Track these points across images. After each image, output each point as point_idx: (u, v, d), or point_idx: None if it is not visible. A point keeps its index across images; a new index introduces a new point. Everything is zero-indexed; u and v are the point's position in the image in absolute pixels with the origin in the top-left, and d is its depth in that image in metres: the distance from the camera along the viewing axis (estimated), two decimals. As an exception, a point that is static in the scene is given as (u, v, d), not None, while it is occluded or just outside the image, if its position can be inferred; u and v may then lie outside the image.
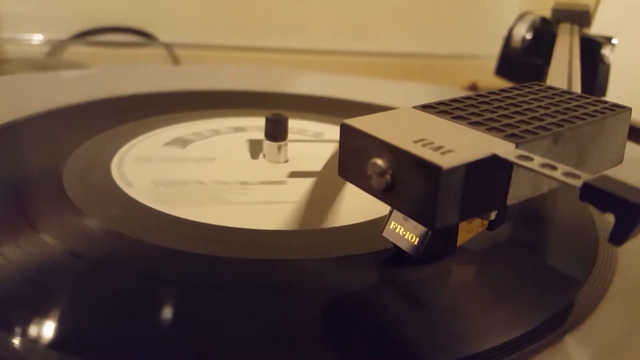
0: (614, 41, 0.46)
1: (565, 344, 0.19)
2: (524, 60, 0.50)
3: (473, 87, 0.77)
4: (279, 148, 0.33)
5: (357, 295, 0.21)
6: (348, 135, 0.20)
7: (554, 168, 0.16)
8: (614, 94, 0.45)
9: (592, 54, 0.46)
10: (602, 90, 0.47)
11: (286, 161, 0.33)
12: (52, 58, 0.77)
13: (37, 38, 0.78)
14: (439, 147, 0.17)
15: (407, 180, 0.18)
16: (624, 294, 0.22)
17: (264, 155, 0.33)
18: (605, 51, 0.46)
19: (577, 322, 0.20)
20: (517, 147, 0.18)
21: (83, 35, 0.78)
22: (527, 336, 0.19)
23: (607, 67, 0.47)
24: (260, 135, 0.34)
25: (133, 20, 0.80)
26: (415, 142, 0.18)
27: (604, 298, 0.21)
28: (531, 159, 0.17)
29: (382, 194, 0.19)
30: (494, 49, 0.53)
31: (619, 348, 0.19)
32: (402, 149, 0.17)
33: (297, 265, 0.23)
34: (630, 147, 0.39)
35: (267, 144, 0.33)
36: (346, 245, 0.24)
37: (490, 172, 0.18)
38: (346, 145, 0.20)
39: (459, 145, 0.18)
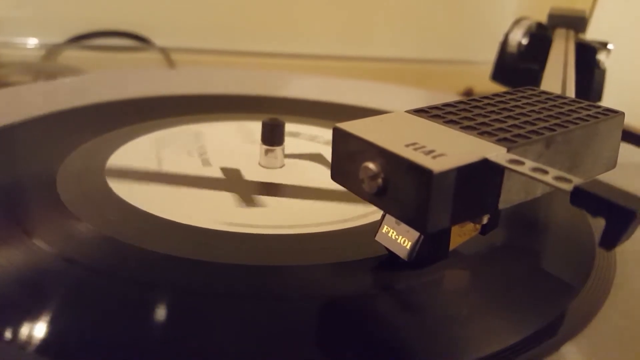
0: (609, 46, 0.47)
1: (563, 352, 0.19)
2: (520, 66, 0.51)
3: (469, 92, 0.77)
4: (275, 152, 0.33)
5: (351, 301, 0.21)
6: (340, 138, 0.20)
7: (545, 172, 0.16)
8: (609, 99, 0.45)
9: (588, 59, 0.46)
10: (598, 95, 0.47)
11: (282, 166, 0.33)
12: (48, 62, 0.77)
13: (32, 42, 0.78)
14: (431, 151, 0.17)
15: (398, 184, 0.18)
16: (623, 299, 0.22)
17: (261, 160, 0.33)
18: (601, 56, 0.46)
19: (575, 329, 0.20)
20: (508, 151, 0.18)
21: (78, 40, 0.78)
22: (524, 343, 0.19)
23: (602, 72, 0.47)
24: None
25: (129, 25, 0.79)
26: (407, 146, 0.18)
27: (602, 304, 0.21)
28: (522, 163, 0.17)
29: (374, 198, 0.19)
30: (490, 55, 0.53)
31: (618, 355, 0.19)
32: (394, 152, 0.17)
33: (290, 271, 0.23)
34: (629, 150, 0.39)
35: (263, 148, 0.33)
36: (339, 251, 0.24)
37: (482, 176, 0.18)
38: (339, 149, 0.20)
39: (451, 150, 0.18)
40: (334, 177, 0.20)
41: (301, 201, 0.28)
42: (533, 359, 0.18)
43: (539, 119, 0.21)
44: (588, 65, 0.46)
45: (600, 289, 0.22)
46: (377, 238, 0.22)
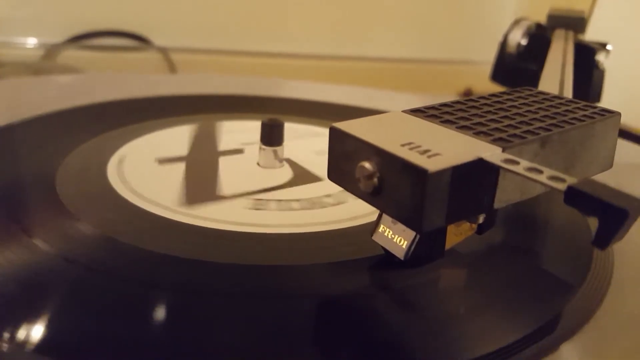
0: (608, 47, 0.47)
1: (561, 350, 0.19)
2: (519, 66, 0.51)
3: (468, 92, 0.77)
4: (275, 153, 0.33)
5: (348, 300, 0.21)
6: (337, 138, 0.20)
7: (540, 172, 0.16)
8: (608, 100, 0.45)
9: (587, 60, 0.46)
10: (597, 96, 0.47)
11: (282, 166, 0.33)
12: (47, 62, 0.77)
13: (32, 42, 0.78)
14: (426, 151, 0.17)
15: (394, 183, 0.18)
16: (620, 298, 0.22)
17: (260, 160, 0.33)
18: (600, 57, 0.46)
19: (573, 328, 0.20)
20: (504, 151, 0.18)
21: (78, 39, 0.78)
22: (522, 342, 0.19)
23: (601, 73, 0.47)
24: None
25: (128, 24, 0.79)
26: (403, 145, 0.18)
27: (599, 303, 0.21)
28: (517, 163, 0.17)
29: (370, 197, 0.19)
30: (489, 55, 0.53)
31: (615, 353, 0.19)
32: (389, 152, 0.17)
33: (288, 271, 0.23)
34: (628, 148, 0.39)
35: (263, 148, 0.33)
36: (336, 251, 0.24)
37: (477, 176, 0.18)
38: (335, 149, 0.20)
39: (446, 149, 0.18)
40: (330, 176, 0.21)
41: (300, 201, 0.28)
42: (531, 358, 0.18)
43: (535, 119, 0.21)
44: (587, 66, 0.46)
45: (597, 288, 0.22)
46: (373, 237, 0.22)
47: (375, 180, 0.18)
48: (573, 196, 0.15)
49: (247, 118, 0.41)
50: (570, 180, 0.16)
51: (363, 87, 0.59)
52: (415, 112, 0.21)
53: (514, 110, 0.22)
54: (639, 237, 0.20)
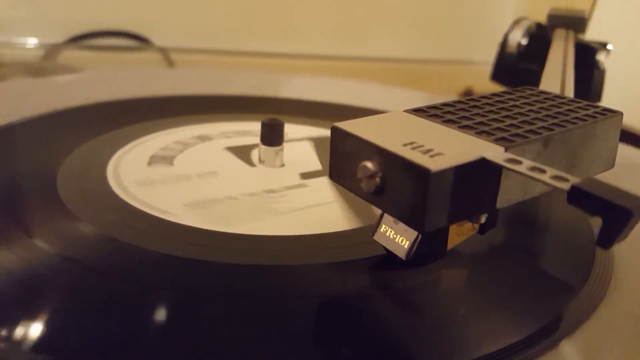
0: (609, 47, 0.47)
1: (561, 350, 0.19)
2: (519, 66, 0.50)
3: (468, 92, 0.78)
4: (276, 153, 0.33)
5: (350, 301, 0.21)
6: (339, 138, 0.20)
7: (543, 171, 0.16)
8: (609, 99, 0.45)
9: (587, 60, 0.46)
10: (597, 96, 0.47)
11: (282, 166, 0.33)
12: (47, 62, 0.77)
13: (32, 42, 0.78)
14: (428, 151, 0.17)
15: (396, 183, 0.18)
16: (621, 299, 0.22)
17: (261, 161, 0.33)
18: (600, 57, 0.46)
19: (574, 328, 0.20)
20: (506, 150, 0.18)
21: (78, 39, 0.78)
22: (523, 342, 0.19)
23: (602, 73, 0.47)
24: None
25: (128, 24, 0.79)
26: (405, 145, 0.18)
27: (599, 302, 0.21)
28: (520, 163, 0.17)
29: (372, 197, 0.19)
30: (490, 55, 0.53)
31: (615, 354, 0.19)
32: (391, 151, 0.17)
33: (288, 271, 0.23)
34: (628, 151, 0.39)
35: (263, 148, 0.33)
36: (338, 251, 0.24)
37: (479, 176, 0.18)
38: (337, 148, 0.20)
39: (448, 149, 0.18)
40: (331, 176, 0.20)
41: (300, 201, 0.28)
42: (532, 357, 0.18)
43: (537, 118, 0.21)
44: (587, 66, 0.46)
45: (598, 288, 0.22)
46: (375, 237, 0.22)
47: (377, 180, 0.18)
48: (577, 196, 0.15)
49: (247, 118, 0.41)
50: (574, 180, 0.16)
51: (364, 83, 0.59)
52: (417, 111, 0.21)
53: (516, 110, 0.22)
54: (639, 237, 0.20)
